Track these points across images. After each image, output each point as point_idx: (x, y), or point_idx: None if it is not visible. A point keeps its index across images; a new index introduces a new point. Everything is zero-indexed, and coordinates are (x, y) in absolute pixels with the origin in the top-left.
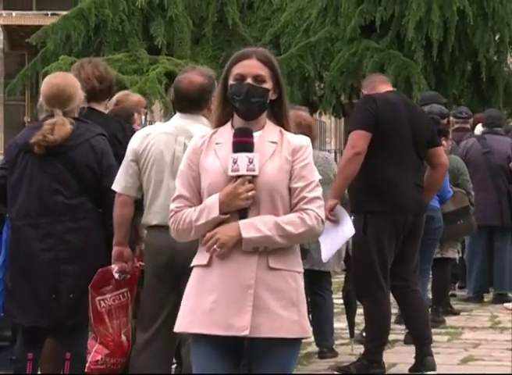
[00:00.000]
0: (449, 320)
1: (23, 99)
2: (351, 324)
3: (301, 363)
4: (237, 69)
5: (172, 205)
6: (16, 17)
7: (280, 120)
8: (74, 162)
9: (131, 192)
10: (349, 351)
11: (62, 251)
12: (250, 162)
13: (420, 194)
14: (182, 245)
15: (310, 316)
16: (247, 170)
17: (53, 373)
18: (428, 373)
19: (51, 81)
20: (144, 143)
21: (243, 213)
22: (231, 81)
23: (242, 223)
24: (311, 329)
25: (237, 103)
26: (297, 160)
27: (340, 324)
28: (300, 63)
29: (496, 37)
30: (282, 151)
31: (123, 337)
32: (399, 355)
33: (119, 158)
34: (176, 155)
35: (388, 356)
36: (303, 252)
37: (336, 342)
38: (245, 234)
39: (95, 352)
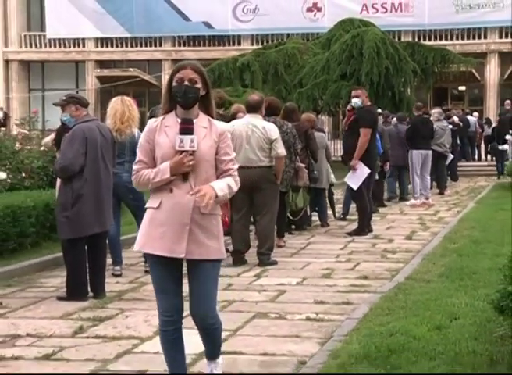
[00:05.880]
0: (381, 210)
1: None
2: (334, 212)
3: (313, 230)
4: (178, 75)
5: (135, 167)
6: None
7: (207, 109)
8: None
9: None
10: (334, 224)
11: None
12: (192, 141)
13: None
14: (253, 176)
15: (316, 209)
16: (190, 147)
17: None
18: (367, 236)
19: None
20: (233, 128)
21: (185, 176)
22: (174, 83)
23: (215, 186)
24: (225, 252)
25: (178, 98)
26: (222, 141)
27: (329, 211)
28: (312, 92)
29: (402, 80)
30: (211, 134)
31: (226, 218)
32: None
33: None
34: (248, 133)
35: (349, 228)
36: (314, 179)
37: (328, 220)
38: (219, 193)
39: None
